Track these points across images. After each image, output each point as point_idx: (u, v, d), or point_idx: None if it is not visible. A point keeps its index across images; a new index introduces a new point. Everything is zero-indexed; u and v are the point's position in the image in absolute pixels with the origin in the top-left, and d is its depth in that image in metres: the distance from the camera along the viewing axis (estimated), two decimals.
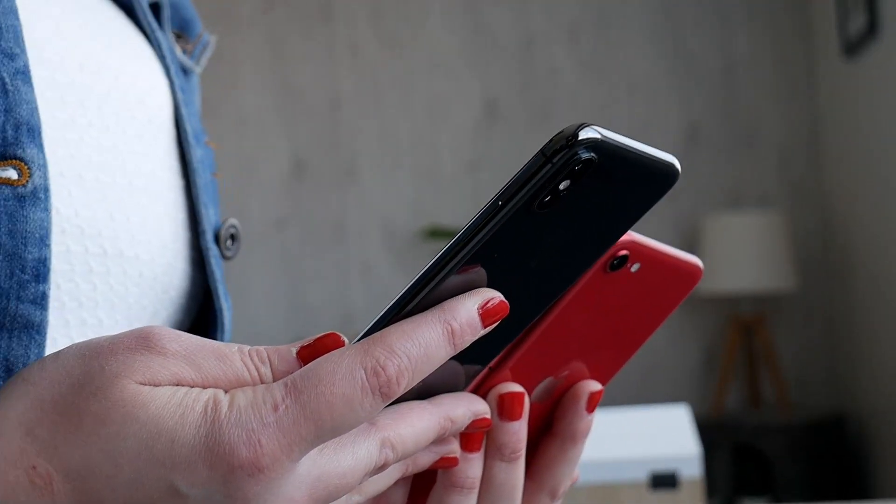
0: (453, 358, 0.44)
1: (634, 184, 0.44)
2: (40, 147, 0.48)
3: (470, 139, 3.92)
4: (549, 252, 0.44)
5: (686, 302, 3.82)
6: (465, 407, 0.47)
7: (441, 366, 0.43)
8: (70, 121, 0.52)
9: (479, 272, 0.43)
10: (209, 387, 0.41)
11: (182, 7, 0.69)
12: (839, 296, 3.68)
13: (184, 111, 0.62)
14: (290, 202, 3.91)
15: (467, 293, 0.43)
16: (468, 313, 0.43)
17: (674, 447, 1.37)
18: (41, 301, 0.47)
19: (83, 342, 0.42)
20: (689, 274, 0.50)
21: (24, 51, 0.49)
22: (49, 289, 0.48)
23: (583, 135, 0.41)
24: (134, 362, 0.40)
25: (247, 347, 0.42)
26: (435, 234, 3.81)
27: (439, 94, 3.92)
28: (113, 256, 0.54)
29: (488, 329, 0.44)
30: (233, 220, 0.64)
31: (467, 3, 3.92)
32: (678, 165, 0.44)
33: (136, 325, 0.57)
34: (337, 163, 3.92)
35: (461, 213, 3.86)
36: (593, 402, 0.52)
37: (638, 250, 0.48)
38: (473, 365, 0.47)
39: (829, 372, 3.78)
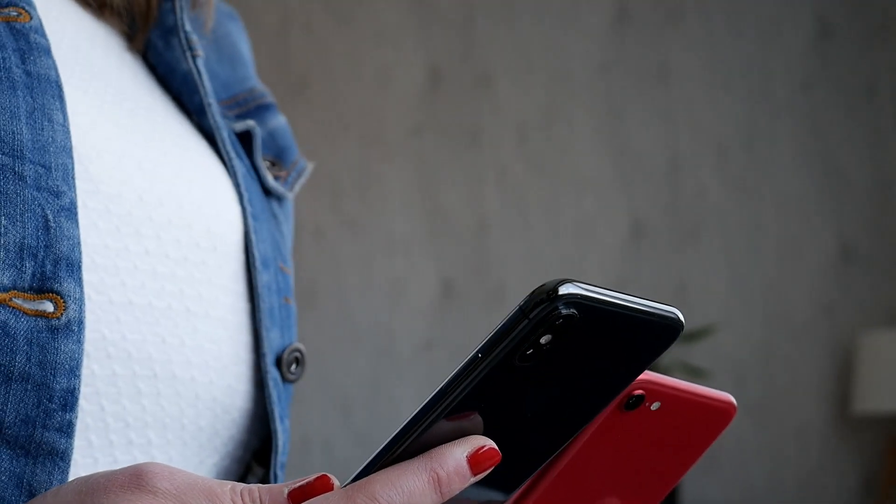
0: (471, 492, 0.43)
1: (629, 336, 0.43)
2: (78, 281, 0.49)
3: (617, 259, 3.90)
4: (549, 398, 0.43)
5: (841, 422, 3.72)
6: None
7: (457, 500, 0.43)
8: (123, 249, 0.54)
9: (474, 418, 0.43)
10: None
11: (280, 136, 0.71)
12: None
13: (254, 237, 0.63)
14: (439, 324, 3.95)
15: (458, 440, 0.43)
16: (455, 461, 0.42)
17: None
18: (67, 429, 0.49)
19: (84, 477, 0.44)
20: (721, 412, 0.49)
21: (71, 188, 0.50)
22: (76, 417, 0.49)
23: (562, 290, 0.40)
24: (124, 501, 0.41)
25: (240, 486, 0.43)
26: None
27: (586, 216, 3.92)
28: (164, 379, 0.56)
29: (480, 476, 0.43)
30: (298, 345, 0.65)
31: (613, 125, 3.93)
32: (680, 316, 0.43)
33: (191, 444, 0.59)
34: (484, 285, 3.95)
35: None
36: None
37: (655, 390, 0.47)
38: (493, 497, 0.46)
39: None
